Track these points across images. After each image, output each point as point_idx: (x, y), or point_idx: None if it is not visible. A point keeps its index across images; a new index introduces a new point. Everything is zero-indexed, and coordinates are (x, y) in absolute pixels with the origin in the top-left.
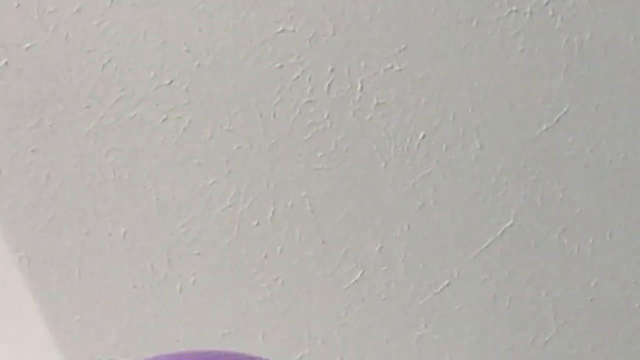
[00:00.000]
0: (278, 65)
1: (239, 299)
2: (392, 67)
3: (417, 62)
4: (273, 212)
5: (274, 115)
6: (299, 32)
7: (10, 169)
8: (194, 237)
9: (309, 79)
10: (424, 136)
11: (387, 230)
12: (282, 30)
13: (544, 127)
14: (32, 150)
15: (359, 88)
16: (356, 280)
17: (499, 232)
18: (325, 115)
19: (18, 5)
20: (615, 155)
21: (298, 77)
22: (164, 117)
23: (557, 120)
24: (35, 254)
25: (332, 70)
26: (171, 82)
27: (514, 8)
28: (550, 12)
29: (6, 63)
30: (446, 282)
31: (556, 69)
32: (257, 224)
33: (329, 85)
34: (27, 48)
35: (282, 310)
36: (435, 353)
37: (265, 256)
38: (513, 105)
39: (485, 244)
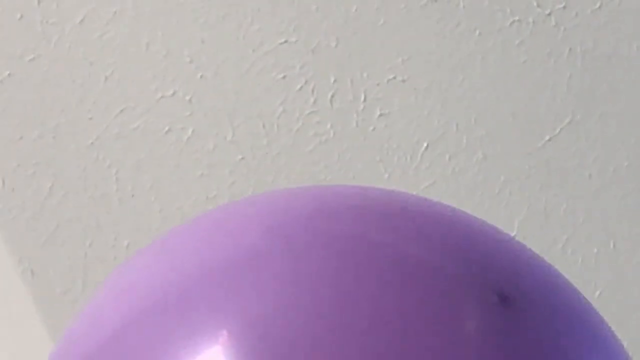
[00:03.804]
0: (281, 76)
1: None
2: (395, 77)
3: (420, 73)
4: None
5: (277, 126)
6: (302, 43)
7: (13, 180)
8: None
9: (312, 90)
10: (427, 147)
11: None
12: (285, 41)
13: (547, 137)
14: (35, 162)
15: (362, 99)
16: None
17: None
18: (329, 126)
19: (21, 17)
20: (619, 165)
21: (301, 87)
22: (166, 128)
23: (561, 130)
24: (39, 266)
25: (335, 81)
26: (174, 93)
27: (516, 18)
28: (553, 22)
29: (9, 75)
30: None
31: (559, 79)
32: None
33: (332, 96)
34: (30, 60)
35: None
36: None
37: None
38: (516, 116)
39: None
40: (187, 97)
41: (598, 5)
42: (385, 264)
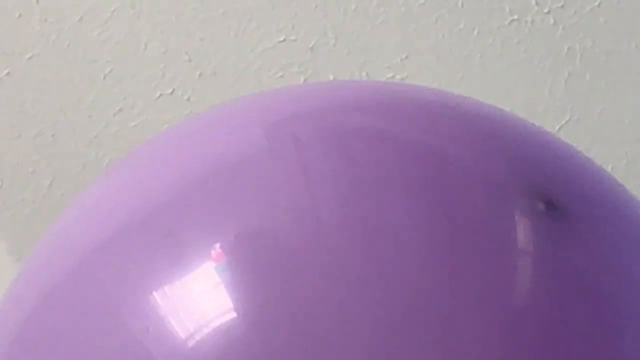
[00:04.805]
0: (279, 74)
1: None
2: (393, 76)
3: (419, 71)
4: None
5: None
6: (301, 41)
7: (12, 178)
8: None
9: None
10: None
11: None
12: (284, 40)
13: None
14: (34, 160)
15: None
16: None
17: None
18: None
19: (19, 15)
20: (617, 164)
21: None
22: (165, 126)
23: (559, 129)
24: None
25: (333, 80)
26: (173, 91)
27: (515, 17)
28: (552, 21)
29: (8, 73)
30: None
31: (558, 77)
32: None
33: None
34: (29, 58)
35: None
36: None
37: None
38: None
39: None
40: (186, 96)
41: (597, 3)
42: (410, 162)
